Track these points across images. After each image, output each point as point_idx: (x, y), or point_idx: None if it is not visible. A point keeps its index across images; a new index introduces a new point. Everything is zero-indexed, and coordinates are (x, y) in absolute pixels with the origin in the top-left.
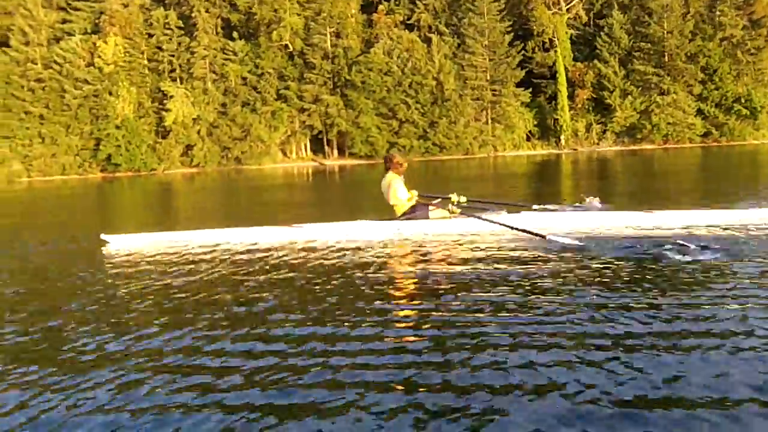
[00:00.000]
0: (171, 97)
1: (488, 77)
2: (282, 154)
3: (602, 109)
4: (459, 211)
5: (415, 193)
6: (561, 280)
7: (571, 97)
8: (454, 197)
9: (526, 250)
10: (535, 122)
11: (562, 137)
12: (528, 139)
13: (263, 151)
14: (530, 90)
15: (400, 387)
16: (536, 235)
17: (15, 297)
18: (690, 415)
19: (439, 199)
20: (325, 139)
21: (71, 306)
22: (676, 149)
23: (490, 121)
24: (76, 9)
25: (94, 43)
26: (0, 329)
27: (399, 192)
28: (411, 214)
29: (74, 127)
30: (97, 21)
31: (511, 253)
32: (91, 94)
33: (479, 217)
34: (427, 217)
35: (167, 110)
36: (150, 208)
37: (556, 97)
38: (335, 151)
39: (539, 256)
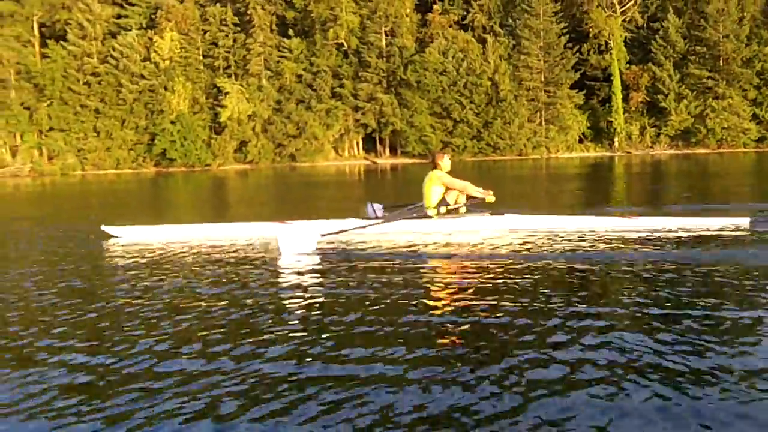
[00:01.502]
0: (226, 93)
1: (543, 78)
2: (334, 152)
3: (656, 113)
4: (434, 214)
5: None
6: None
7: (625, 99)
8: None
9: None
10: (588, 124)
11: (615, 140)
12: (580, 141)
13: (317, 148)
14: (583, 92)
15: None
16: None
17: (10, 283)
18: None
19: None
20: (377, 138)
21: (59, 293)
22: (731, 154)
23: (543, 123)
24: (132, 4)
25: (150, 38)
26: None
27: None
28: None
29: (129, 121)
30: (153, 16)
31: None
32: (146, 89)
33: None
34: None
35: (222, 106)
36: (208, 202)
37: (609, 99)
38: (387, 150)
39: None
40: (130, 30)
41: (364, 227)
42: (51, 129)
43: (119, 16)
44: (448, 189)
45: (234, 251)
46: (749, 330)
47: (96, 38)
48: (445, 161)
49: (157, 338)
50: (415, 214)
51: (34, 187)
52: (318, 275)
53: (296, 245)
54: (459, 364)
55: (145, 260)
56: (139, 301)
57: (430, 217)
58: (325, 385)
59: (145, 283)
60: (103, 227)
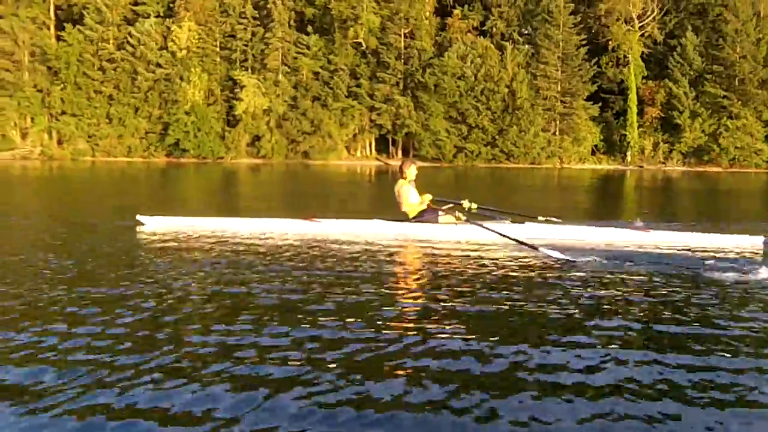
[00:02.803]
0: (243, 86)
1: (559, 89)
2: (346, 152)
3: (670, 129)
4: (465, 218)
5: (428, 197)
6: (546, 289)
7: (639, 114)
8: (465, 203)
9: (519, 259)
10: (601, 137)
11: (628, 154)
12: (593, 153)
13: (330, 146)
14: (599, 104)
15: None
16: (529, 246)
17: (37, 269)
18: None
19: (451, 205)
20: (390, 140)
21: (94, 281)
22: (741, 174)
23: (558, 133)
24: None
25: (168, 27)
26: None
27: (409, 198)
28: (421, 217)
29: (143, 109)
30: (171, 5)
31: (507, 262)
32: (162, 78)
33: (480, 225)
34: (437, 222)
35: (238, 99)
36: (235, 195)
37: (623, 113)
38: (400, 152)
39: (530, 265)
40: (148, 17)
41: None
42: (63, 113)
43: (136, 3)
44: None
45: (269, 245)
46: (756, 347)
47: (113, 24)
48: (411, 171)
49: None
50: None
51: (46, 171)
52: (335, 273)
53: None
54: (471, 368)
55: (179, 250)
56: (180, 291)
57: (460, 219)
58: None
59: (183, 274)
60: (139, 216)
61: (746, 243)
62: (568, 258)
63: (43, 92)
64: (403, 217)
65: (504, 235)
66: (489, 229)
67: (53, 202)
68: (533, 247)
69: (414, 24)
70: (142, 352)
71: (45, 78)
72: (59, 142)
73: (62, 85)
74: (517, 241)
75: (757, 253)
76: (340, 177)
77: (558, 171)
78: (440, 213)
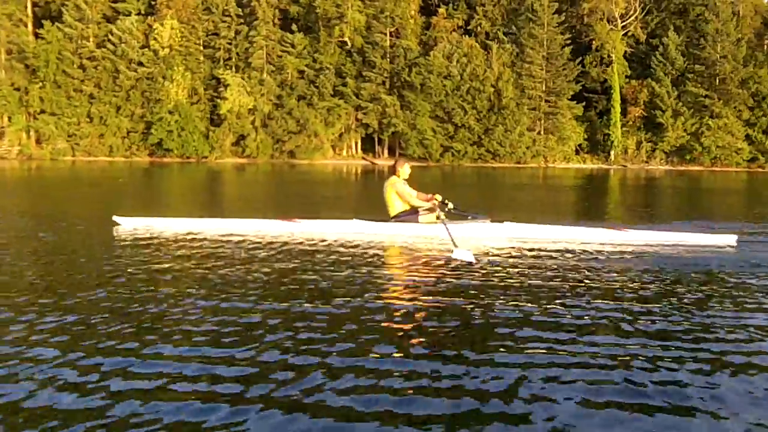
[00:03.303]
0: (227, 85)
1: (544, 88)
2: (332, 151)
3: (653, 128)
4: (444, 217)
5: (439, 197)
6: (514, 288)
7: (622, 113)
8: (450, 204)
9: (498, 257)
10: (585, 136)
11: (612, 153)
12: (577, 152)
13: (316, 146)
14: (582, 104)
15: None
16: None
17: (18, 273)
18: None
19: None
20: (377, 139)
21: (70, 283)
22: (723, 172)
23: (543, 132)
24: None
25: (150, 25)
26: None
27: (406, 193)
28: (400, 217)
29: (125, 108)
30: (152, 2)
31: (486, 260)
32: (144, 77)
33: (444, 224)
34: (417, 221)
35: (222, 98)
36: (218, 196)
37: (606, 112)
38: (386, 151)
39: (509, 264)
40: (129, 15)
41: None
42: (42, 112)
43: (116, 1)
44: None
45: (249, 246)
46: (730, 342)
47: (93, 21)
48: (405, 169)
49: (157, 329)
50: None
51: (24, 172)
52: (325, 274)
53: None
54: (453, 365)
55: (157, 250)
56: (153, 291)
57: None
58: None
59: (160, 275)
60: (115, 217)
61: (720, 242)
62: (476, 264)
63: (21, 91)
64: (385, 217)
65: (450, 235)
66: (446, 229)
67: (28, 202)
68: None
69: (399, 23)
70: (112, 355)
71: (23, 76)
72: (38, 142)
73: (41, 84)
74: (452, 241)
75: (729, 252)
76: (325, 177)
77: (543, 170)
78: (421, 212)
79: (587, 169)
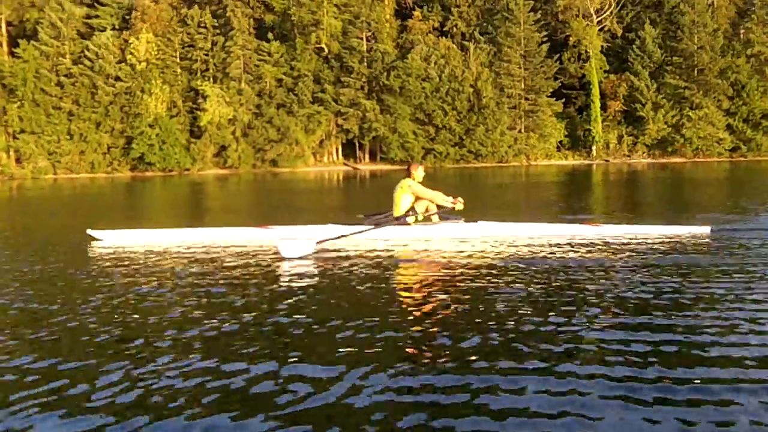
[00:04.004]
0: (206, 96)
1: (523, 86)
2: (313, 158)
3: (633, 121)
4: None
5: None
6: (494, 285)
7: (602, 108)
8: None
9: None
10: (566, 132)
11: (593, 148)
12: (558, 149)
13: (298, 154)
14: (562, 100)
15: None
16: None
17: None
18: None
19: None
20: (357, 144)
21: (54, 299)
22: (705, 163)
23: (524, 130)
24: (103, 4)
25: (126, 40)
26: None
27: (427, 192)
28: (403, 218)
29: (105, 124)
30: (126, 17)
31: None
32: (122, 91)
33: (367, 224)
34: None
35: (202, 110)
36: (202, 208)
37: (586, 108)
38: (367, 156)
39: (480, 263)
40: (104, 30)
41: (359, 233)
42: (22, 131)
43: (89, 17)
44: (417, 198)
45: (222, 255)
46: (711, 331)
47: (69, 38)
48: (419, 172)
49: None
50: (395, 222)
51: (5, 192)
52: (301, 280)
53: (294, 251)
54: (434, 365)
55: (134, 264)
56: (130, 303)
57: (408, 224)
58: (304, 385)
59: (138, 287)
60: (89, 231)
61: (695, 232)
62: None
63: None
64: (358, 221)
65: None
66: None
67: (4, 222)
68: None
69: (375, 27)
70: (94, 375)
71: (0, 96)
72: (18, 161)
73: (19, 103)
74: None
75: (704, 241)
76: (308, 184)
77: (525, 168)
78: (411, 213)
79: (569, 165)
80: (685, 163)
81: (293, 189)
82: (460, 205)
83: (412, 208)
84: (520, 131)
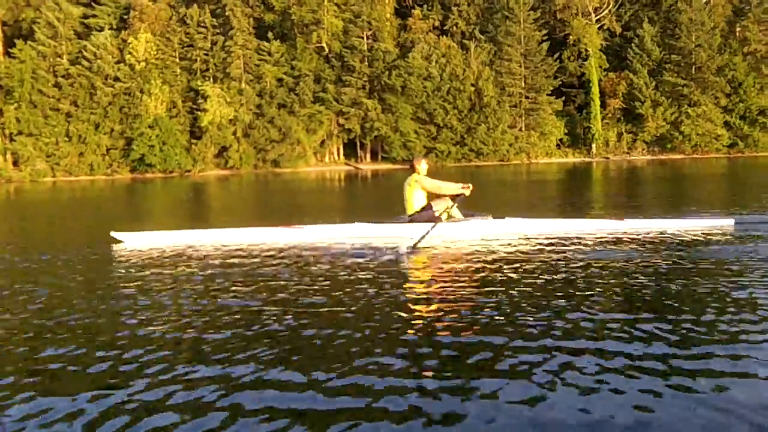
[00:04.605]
0: (207, 97)
1: (524, 85)
2: (314, 158)
3: (632, 119)
4: (445, 216)
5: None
6: (525, 280)
7: (602, 106)
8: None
9: (502, 253)
10: (566, 130)
11: (593, 146)
12: (558, 147)
13: (299, 154)
14: (562, 99)
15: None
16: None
17: (24, 295)
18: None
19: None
20: (359, 143)
21: (80, 302)
22: (703, 159)
23: (524, 128)
24: (100, 4)
25: (124, 40)
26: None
27: (437, 183)
28: (419, 216)
29: (104, 125)
30: (124, 16)
31: (487, 257)
32: (121, 92)
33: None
34: (432, 220)
35: (202, 110)
36: (207, 208)
37: (586, 105)
38: (368, 156)
39: (518, 259)
40: (101, 30)
41: (429, 231)
42: (20, 133)
43: (86, 16)
44: (429, 193)
45: (246, 255)
46: (735, 325)
47: (66, 38)
48: (423, 165)
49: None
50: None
51: (3, 195)
52: (319, 277)
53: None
54: (458, 366)
55: (160, 264)
56: (159, 306)
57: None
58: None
59: (164, 288)
60: (113, 233)
61: (718, 225)
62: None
63: None
64: (385, 219)
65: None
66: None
67: (15, 226)
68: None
69: (376, 26)
70: (132, 378)
71: None
72: (14, 164)
73: (16, 104)
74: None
75: (728, 235)
76: (312, 184)
77: (527, 166)
78: (435, 209)
79: (570, 163)
80: (684, 160)
81: (299, 189)
82: (468, 191)
83: (429, 206)
84: (520, 129)
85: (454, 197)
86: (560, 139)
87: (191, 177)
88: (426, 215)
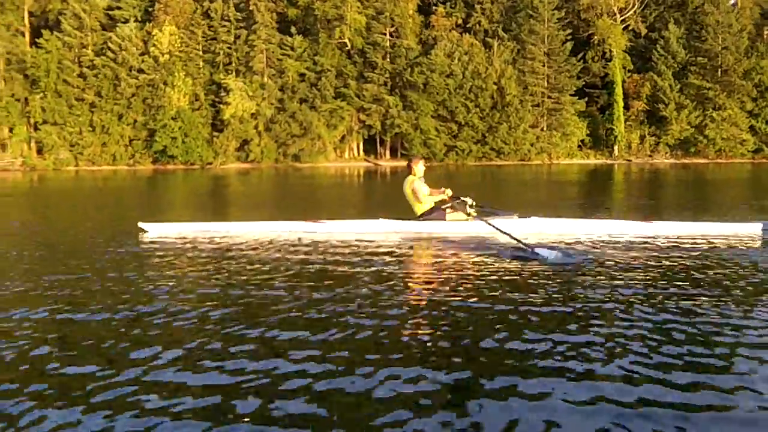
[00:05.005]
0: (229, 90)
1: (546, 84)
2: (334, 153)
3: (656, 121)
4: (475, 214)
5: (449, 191)
6: (554, 285)
7: (625, 107)
8: (469, 201)
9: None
10: (587, 131)
11: (615, 147)
12: (579, 148)
13: (320, 149)
14: (584, 99)
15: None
16: (524, 246)
17: (47, 284)
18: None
19: (460, 200)
20: (378, 140)
21: (103, 291)
22: (727, 164)
23: (546, 128)
24: None
25: (149, 32)
26: (30, 314)
27: (423, 192)
28: (429, 215)
29: (127, 116)
30: (149, 9)
31: (519, 259)
32: (145, 84)
33: (487, 222)
34: (444, 219)
35: (225, 103)
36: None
37: (608, 107)
38: (388, 152)
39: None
40: (127, 22)
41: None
42: (44, 122)
43: (111, 8)
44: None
45: (276, 248)
46: (756, 331)
47: (92, 29)
48: (419, 167)
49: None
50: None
51: (28, 183)
52: (339, 272)
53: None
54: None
55: (185, 255)
56: (187, 296)
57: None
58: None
59: (196, 280)
60: (140, 224)
61: (745, 230)
62: (563, 262)
63: (21, 101)
64: (410, 215)
65: (506, 233)
66: (495, 227)
67: (43, 214)
68: (530, 248)
69: (399, 22)
70: (163, 368)
71: (22, 86)
72: (39, 152)
73: (42, 94)
74: (517, 240)
75: (756, 240)
76: (331, 179)
77: (548, 167)
78: (448, 210)
79: (591, 164)
80: (708, 164)
81: (320, 184)
82: (447, 193)
83: (437, 207)
84: (542, 129)
85: (460, 202)
86: (582, 140)
87: (212, 169)
88: (439, 216)
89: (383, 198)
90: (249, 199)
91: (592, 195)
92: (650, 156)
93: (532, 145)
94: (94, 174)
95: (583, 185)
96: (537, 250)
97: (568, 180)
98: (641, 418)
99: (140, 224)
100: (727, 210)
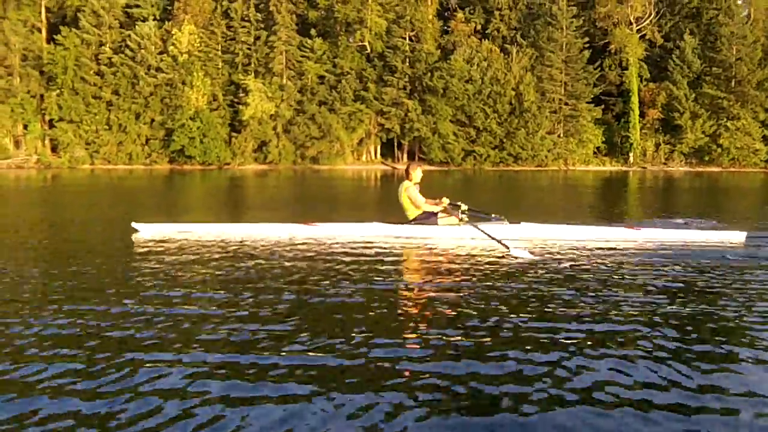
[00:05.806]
0: (249, 91)
1: (564, 91)
2: (352, 156)
3: (671, 130)
4: (467, 219)
5: (446, 200)
6: (543, 288)
7: (641, 116)
8: (463, 206)
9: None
10: (603, 139)
11: (631, 155)
12: (595, 155)
13: (338, 151)
14: (601, 107)
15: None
16: (504, 246)
17: (40, 283)
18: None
19: (458, 206)
20: (396, 143)
21: (93, 289)
22: (740, 173)
23: (563, 135)
24: None
25: (168, 31)
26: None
27: (417, 198)
28: (420, 219)
29: (144, 115)
30: (168, 7)
31: (509, 261)
32: (163, 83)
33: (476, 226)
34: (436, 223)
35: (244, 104)
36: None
37: (624, 115)
38: (405, 156)
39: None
40: (146, 20)
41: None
42: (60, 119)
43: (129, 6)
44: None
45: (258, 251)
46: (742, 337)
47: (110, 27)
48: (417, 173)
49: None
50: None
51: (40, 181)
52: (333, 273)
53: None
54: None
55: (174, 256)
56: (168, 297)
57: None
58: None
59: (175, 281)
60: (133, 224)
61: (730, 238)
62: (538, 259)
63: (37, 98)
64: (404, 219)
65: (495, 239)
66: (484, 232)
67: (44, 212)
68: (517, 252)
69: (419, 27)
70: (136, 369)
71: (38, 83)
72: (53, 150)
73: (58, 91)
74: (505, 246)
75: (739, 247)
76: (348, 182)
77: (563, 173)
78: (440, 215)
79: (607, 171)
80: (721, 173)
81: (336, 187)
82: (444, 203)
83: (431, 212)
84: (559, 136)
85: (454, 207)
86: (597, 147)
87: (230, 170)
88: (431, 221)
89: (396, 201)
90: (261, 201)
91: (607, 201)
92: (665, 164)
93: (549, 151)
94: (110, 173)
95: (599, 192)
96: (522, 253)
97: (584, 186)
98: (641, 419)
99: (133, 224)
100: (736, 217)
